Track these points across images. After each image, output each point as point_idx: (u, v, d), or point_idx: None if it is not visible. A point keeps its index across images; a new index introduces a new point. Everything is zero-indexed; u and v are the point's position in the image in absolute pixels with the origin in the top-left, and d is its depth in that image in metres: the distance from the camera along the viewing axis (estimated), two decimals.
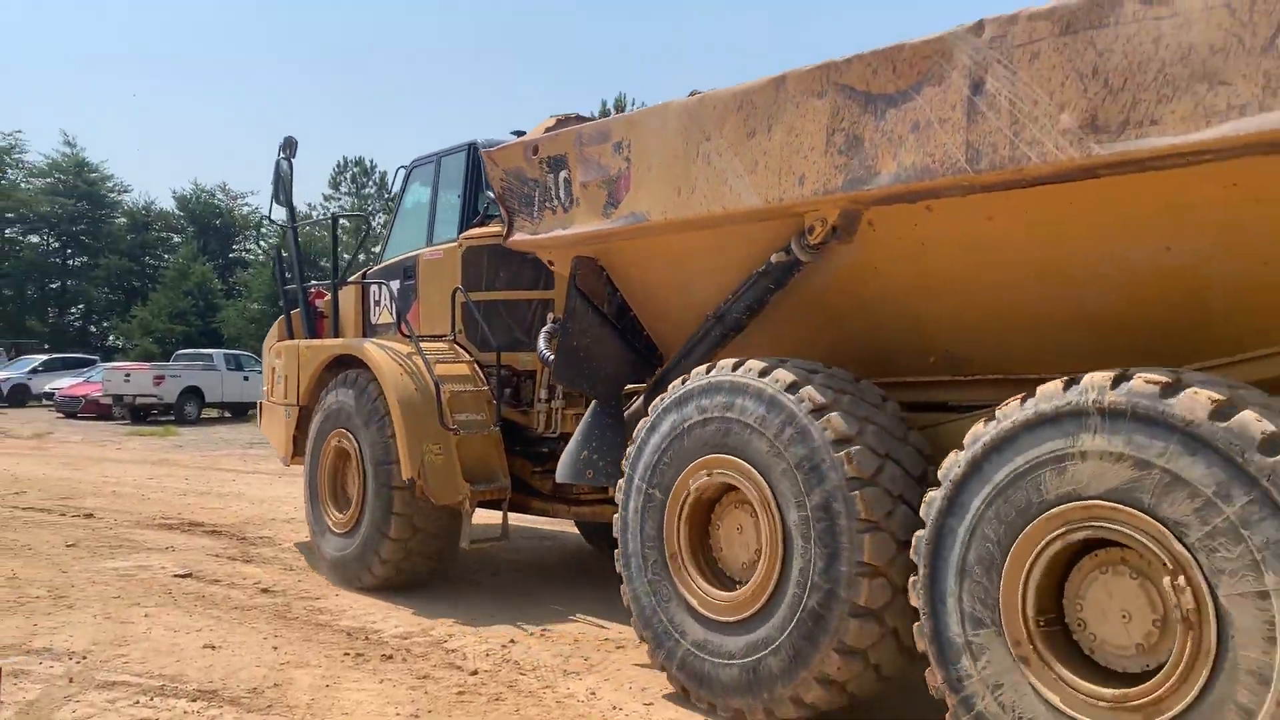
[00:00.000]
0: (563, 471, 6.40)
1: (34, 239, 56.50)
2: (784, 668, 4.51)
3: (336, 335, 9.10)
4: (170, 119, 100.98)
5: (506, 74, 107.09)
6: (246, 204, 59.67)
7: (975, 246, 4.31)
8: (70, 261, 57.10)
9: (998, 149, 3.85)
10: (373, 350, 7.70)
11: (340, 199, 57.84)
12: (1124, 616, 3.53)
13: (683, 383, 5.20)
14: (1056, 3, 3.69)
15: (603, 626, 6.67)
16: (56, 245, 57.04)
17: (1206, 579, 3.19)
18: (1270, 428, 3.11)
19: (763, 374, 4.78)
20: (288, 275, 10.01)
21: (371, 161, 59.01)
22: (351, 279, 9.71)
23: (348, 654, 5.86)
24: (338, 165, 58.54)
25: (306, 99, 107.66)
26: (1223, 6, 3.26)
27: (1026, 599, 3.68)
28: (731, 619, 4.81)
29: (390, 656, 5.84)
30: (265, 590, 7.56)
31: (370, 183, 58.73)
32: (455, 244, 8.02)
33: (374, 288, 9.14)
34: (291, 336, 9.57)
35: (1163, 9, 3.41)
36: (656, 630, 5.18)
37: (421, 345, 7.60)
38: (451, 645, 6.15)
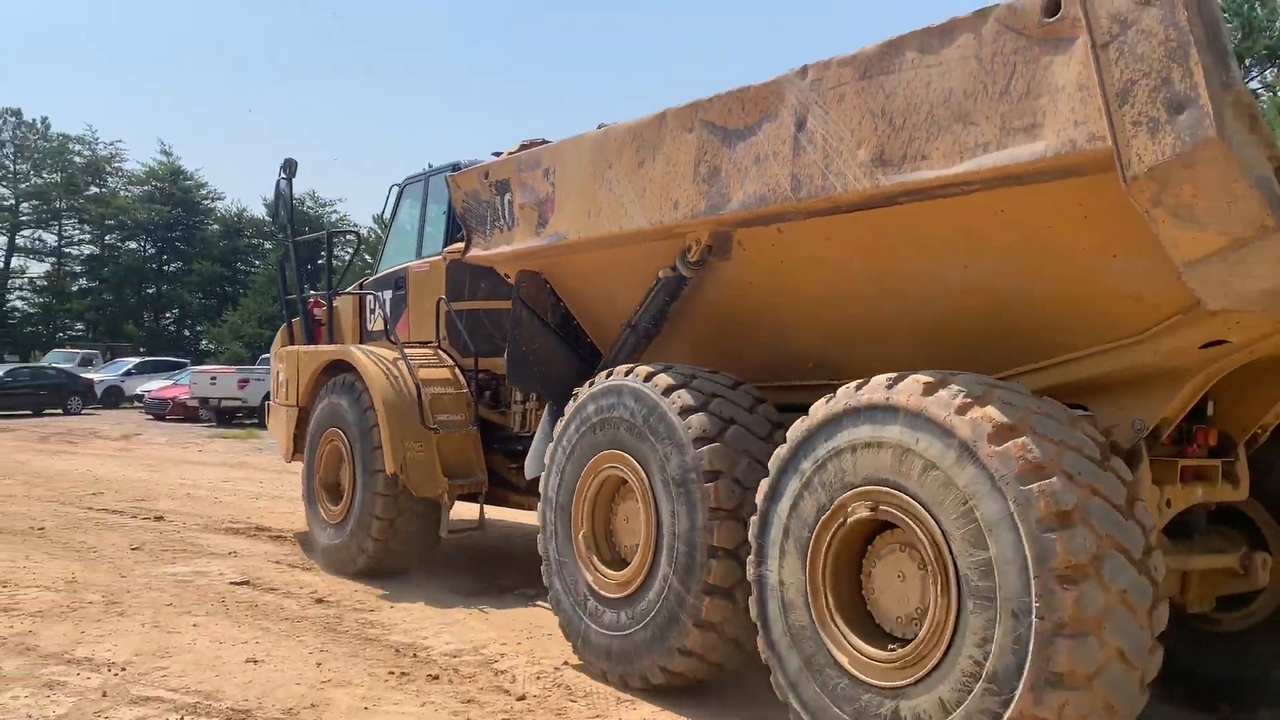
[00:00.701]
0: (529, 467, 7.00)
1: (132, 245, 58.39)
2: (654, 639, 5.15)
3: (333, 342, 9.70)
4: (262, 128, 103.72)
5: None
6: (334, 211, 60.77)
7: (820, 263, 4.89)
8: (165, 267, 58.83)
9: (813, 179, 4.44)
10: (361, 356, 8.30)
11: None
12: (899, 577, 4.11)
13: (589, 386, 5.86)
14: (859, 50, 4.23)
15: None
16: (153, 251, 58.84)
17: (952, 553, 3.76)
18: (1000, 419, 3.69)
19: (646, 379, 5.42)
20: (289, 286, 10.64)
21: (458, 165, 59.62)
22: (349, 289, 10.26)
23: (392, 673, 5.57)
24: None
25: (394, 107, 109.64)
26: (973, 58, 3.80)
27: (825, 573, 4.28)
28: (618, 595, 5.50)
29: (436, 677, 5.53)
30: (320, 600, 7.34)
31: None
32: (440, 257, 8.58)
33: (369, 297, 9.70)
34: (293, 343, 10.14)
35: (932, 58, 3.95)
36: (568, 612, 5.87)
37: (406, 351, 8.24)
38: (502, 666, 5.83)
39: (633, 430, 5.46)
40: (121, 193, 56.38)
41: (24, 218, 55.92)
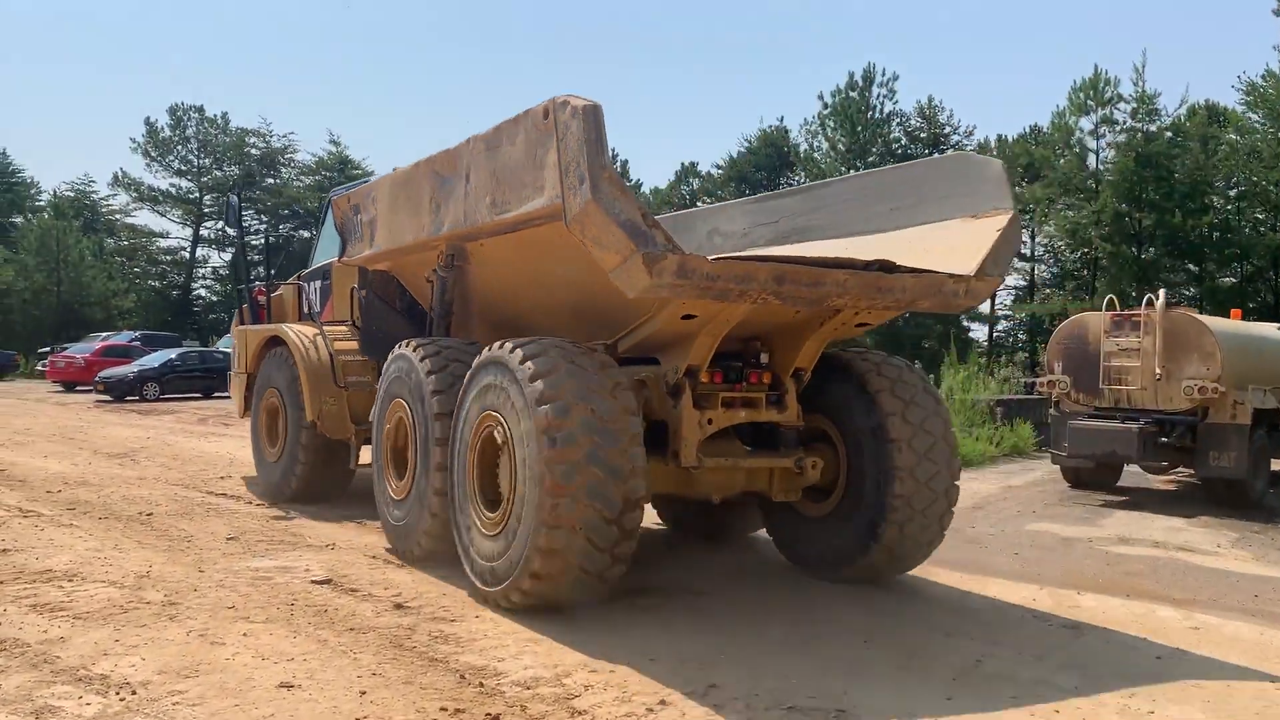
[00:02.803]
0: None
1: (304, 234, 60.38)
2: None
3: (271, 322, 12.15)
4: (418, 110, 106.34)
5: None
6: None
7: (505, 266, 7.31)
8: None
9: (473, 213, 6.82)
10: (289, 332, 10.63)
11: None
12: (504, 467, 6.28)
13: (391, 355, 8.03)
14: (487, 131, 6.61)
15: (788, 689, 5.03)
16: (318, 234, 60.66)
17: (514, 449, 6.07)
18: (539, 368, 5.92)
19: (414, 349, 7.56)
20: (239, 279, 13.83)
21: (614, 151, 59.14)
22: (289, 281, 13.11)
23: (445, 709, 4.54)
24: None
25: (545, 86, 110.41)
26: (523, 142, 6.10)
27: (474, 468, 6.60)
28: (399, 496, 7.77)
29: (496, 717, 4.46)
30: (399, 606, 6.41)
31: None
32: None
33: (305, 286, 12.34)
34: (244, 323, 12.66)
35: (511, 140, 6.26)
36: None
37: (325, 328, 10.52)
38: (582, 704, 4.71)
39: (403, 384, 7.75)
40: (293, 183, 58.36)
41: (207, 209, 58.64)
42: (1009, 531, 10.34)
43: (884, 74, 48.21)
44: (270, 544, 8.46)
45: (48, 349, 36.46)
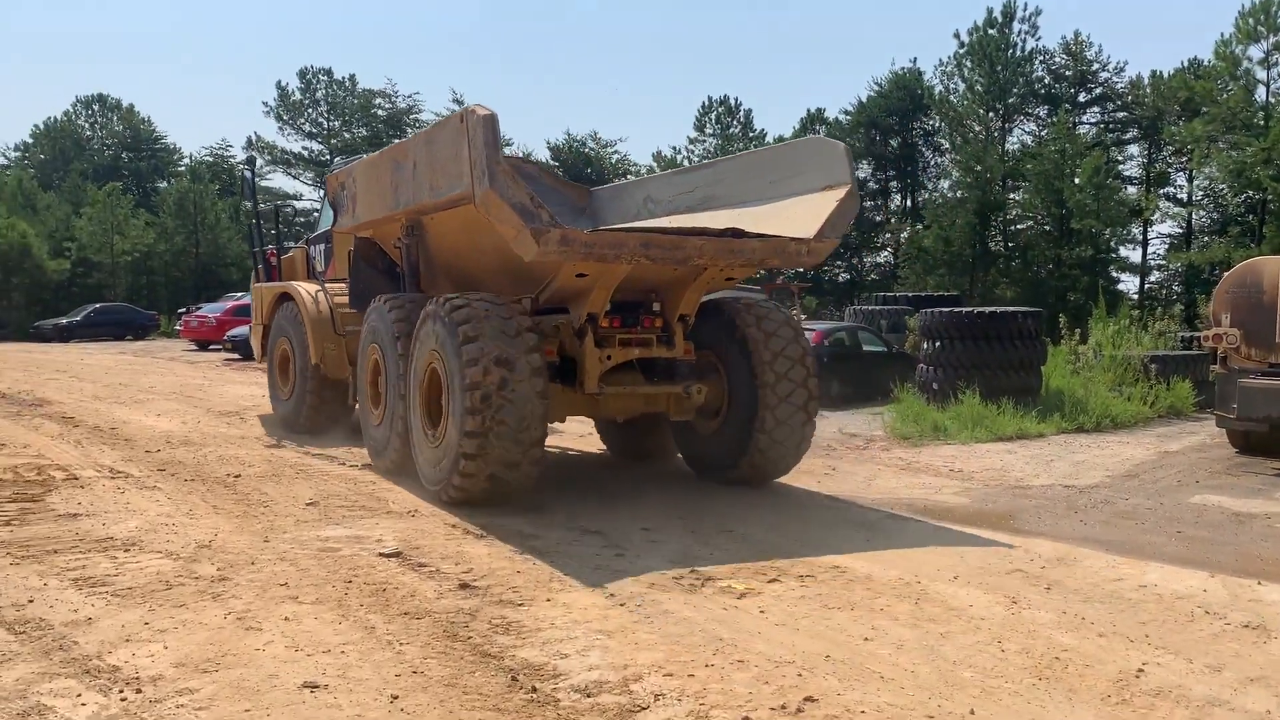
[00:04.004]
0: None
1: None
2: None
3: (283, 280, 14.29)
4: (544, 72, 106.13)
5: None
6: (616, 151, 60.50)
7: (448, 236, 9.10)
8: None
9: (416, 195, 8.70)
10: (297, 288, 12.72)
11: (705, 141, 56.94)
12: (440, 399, 8.08)
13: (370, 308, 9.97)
14: (423, 131, 9.14)
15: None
16: None
17: (448, 378, 7.85)
18: (464, 316, 7.75)
19: (383, 301, 9.58)
20: (254, 244, 15.99)
21: (737, 100, 57.42)
22: (298, 245, 15.33)
23: None
24: (702, 106, 57.63)
25: (668, 38, 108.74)
26: (451, 139, 7.75)
27: (422, 395, 8.45)
28: (376, 424, 9.73)
29: None
30: (464, 585, 5.77)
31: (735, 122, 57.21)
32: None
33: (312, 249, 14.34)
34: (260, 282, 14.90)
35: (444, 135, 8.02)
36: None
37: (327, 285, 12.55)
38: (651, 718, 3.93)
39: (376, 332, 9.55)
40: None
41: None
42: (1168, 505, 9.09)
43: (1026, 9, 45.12)
44: (350, 509, 7.98)
45: (185, 309, 37.62)
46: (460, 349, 7.58)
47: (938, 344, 15.46)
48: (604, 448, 11.48)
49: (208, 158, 63.96)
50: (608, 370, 8.65)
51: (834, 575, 6.25)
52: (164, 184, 57.81)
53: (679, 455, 10.14)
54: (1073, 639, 5.11)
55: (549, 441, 9.11)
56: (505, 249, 7.74)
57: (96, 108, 67.81)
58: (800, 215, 8.46)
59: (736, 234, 8.12)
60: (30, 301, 43.73)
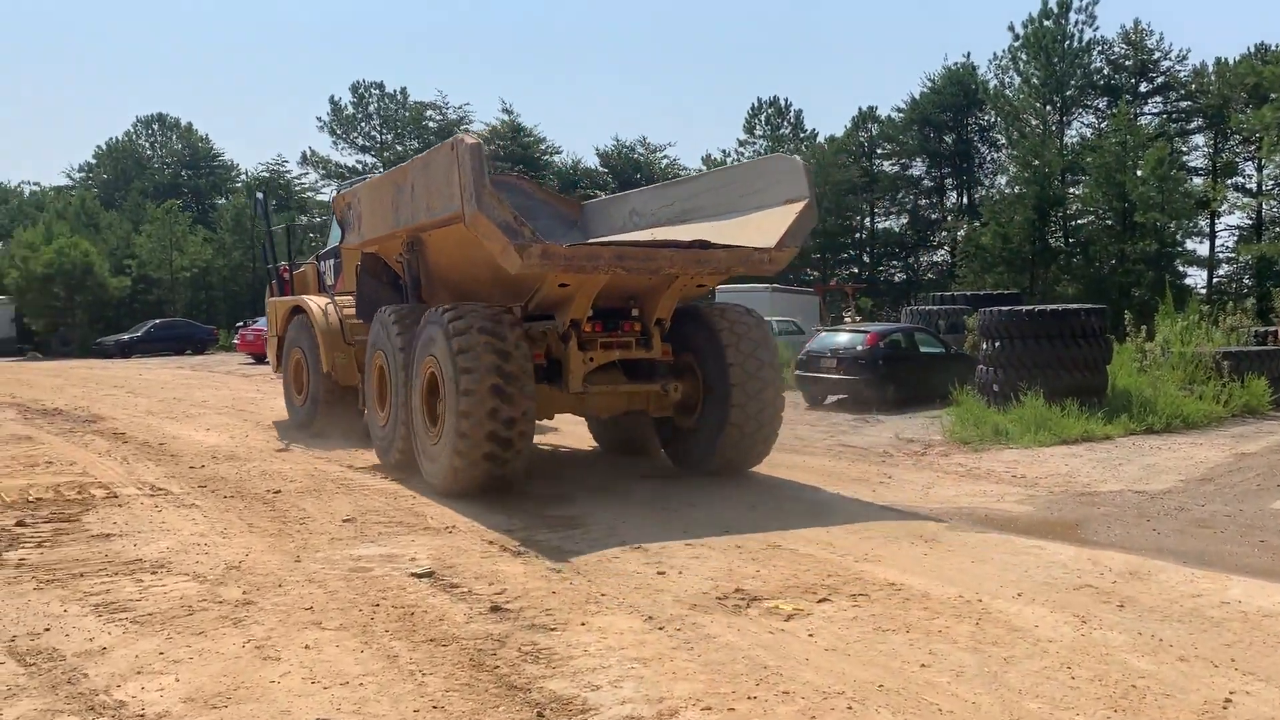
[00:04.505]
0: None
1: None
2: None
3: (295, 294, 15.01)
4: (588, 80, 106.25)
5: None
6: (665, 156, 60.30)
7: (445, 253, 9.86)
8: None
9: (415, 215, 9.46)
10: (308, 302, 13.46)
11: (755, 143, 56.44)
12: (438, 399, 8.83)
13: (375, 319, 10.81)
14: (419, 157, 9.56)
15: None
16: None
17: (444, 378, 8.57)
18: (457, 324, 8.50)
19: (387, 312, 10.37)
20: (269, 261, 17.15)
21: (786, 101, 56.85)
22: (308, 261, 16.13)
23: None
24: (752, 108, 57.16)
25: (718, 41, 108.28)
26: (444, 164, 8.52)
27: (423, 394, 9.16)
28: (381, 425, 10.53)
29: None
30: (496, 608, 5.50)
31: (785, 123, 56.64)
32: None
33: (322, 264, 15.00)
34: (274, 296, 15.89)
35: (437, 161, 8.78)
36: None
37: (336, 298, 13.18)
38: None
39: (380, 340, 10.33)
40: None
41: None
42: (1249, 512, 8.54)
43: None
44: (387, 525, 7.77)
45: (241, 323, 38.06)
46: (455, 354, 8.39)
47: (998, 344, 14.92)
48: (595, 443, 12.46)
49: (264, 173, 64.96)
50: (591, 371, 9.51)
51: (889, 593, 5.88)
52: (221, 200, 58.67)
53: (661, 451, 10.85)
54: (1150, 664, 4.69)
55: (578, 443, 11.25)
56: (495, 262, 8.50)
57: (156, 127, 69.27)
58: (765, 226, 9.42)
59: (703, 245, 9.10)
60: (93, 319, 44.61)
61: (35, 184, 71.03)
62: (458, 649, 4.83)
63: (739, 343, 9.59)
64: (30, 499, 8.72)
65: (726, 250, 9.11)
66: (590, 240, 10.71)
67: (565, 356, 9.43)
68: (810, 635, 5.11)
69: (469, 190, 8.07)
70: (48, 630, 5.07)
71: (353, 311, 12.25)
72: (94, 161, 69.18)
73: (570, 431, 13.22)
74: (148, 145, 69.48)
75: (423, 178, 9.18)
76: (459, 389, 8.29)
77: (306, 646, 4.83)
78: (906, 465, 11.19)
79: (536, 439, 11.97)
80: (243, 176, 66.54)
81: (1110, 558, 6.81)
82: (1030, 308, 15.53)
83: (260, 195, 16.57)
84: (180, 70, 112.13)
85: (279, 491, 9.24)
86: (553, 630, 5.15)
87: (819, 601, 5.70)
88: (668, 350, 9.83)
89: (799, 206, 9.26)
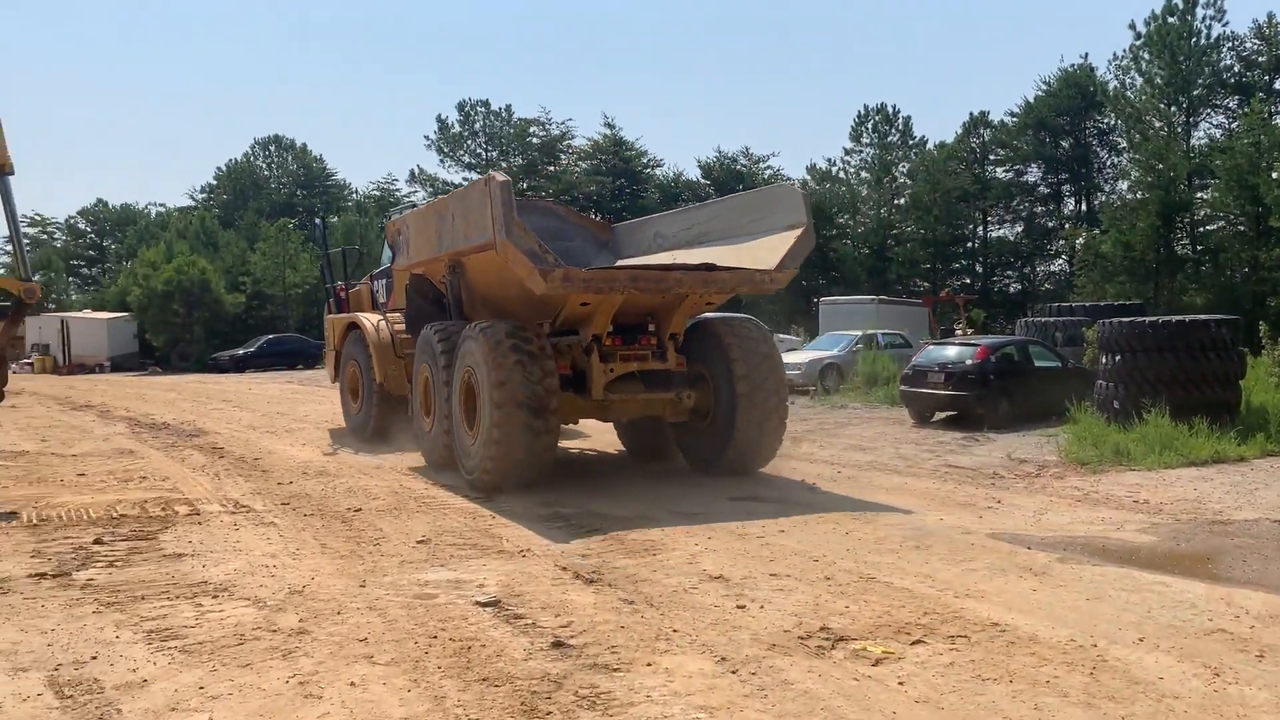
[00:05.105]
0: None
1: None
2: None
3: (350, 312, 16.32)
4: (690, 91, 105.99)
5: None
6: (768, 167, 59.50)
7: (483, 273, 10.75)
8: None
9: (455, 241, 10.64)
10: (363, 319, 14.74)
11: (862, 151, 55.27)
12: (476, 404, 9.99)
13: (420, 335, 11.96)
14: (457, 190, 11.36)
15: None
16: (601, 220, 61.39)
17: (479, 386, 9.76)
18: (492, 340, 9.62)
19: (432, 330, 11.34)
20: (326, 281, 18.99)
21: (894, 107, 55.53)
22: (362, 280, 17.40)
23: None
24: (858, 115, 56.01)
25: (822, 48, 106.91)
26: (478, 198, 9.90)
27: (462, 399, 10.31)
28: (426, 430, 11.61)
29: None
30: (559, 644, 5.12)
31: (893, 130, 55.33)
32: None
33: (376, 284, 16.28)
34: (332, 313, 17.36)
35: (473, 195, 10.11)
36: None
37: (388, 315, 14.50)
38: None
39: (425, 353, 11.43)
40: (571, 169, 59.39)
41: None
42: None
43: None
44: (460, 547, 7.49)
45: None
46: (489, 365, 9.47)
47: (1119, 357, 13.97)
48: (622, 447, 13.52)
49: (375, 192, 66.49)
50: (611, 380, 10.55)
51: (992, 635, 5.31)
52: (334, 219, 60.24)
53: (680, 453, 11.82)
54: None
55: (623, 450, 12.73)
56: (524, 284, 9.67)
57: (273, 148, 71.62)
58: (770, 249, 10.48)
59: (709, 268, 10.29)
60: (210, 334, 46.09)
61: (161, 205, 74.19)
62: (510, 691, 4.47)
63: (746, 355, 10.63)
64: (115, 515, 8.74)
65: (730, 272, 10.31)
66: (615, 264, 12.10)
67: (588, 367, 10.52)
68: (900, 683, 4.60)
69: (499, 221, 9.31)
70: (94, 659, 4.89)
71: (402, 327, 13.51)
72: (215, 183, 71.97)
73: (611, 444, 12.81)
74: (264, 166, 71.93)
75: (461, 209, 10.43)
76: (493, 395, 9.38)
77: (352, 683, 4.54)
78: (1018, 488, 10.45)
79: (574, 443, 14.20)
80: (354, 195, 68.31)
81: (1247, 597, 6.08)
82: (1155, 319, 14.50)
83: (319, 221, 19.08)
84: (295, 92, 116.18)
85: (359, 510, 9.08)
86: (616, 671, 4.74)
87: (912, 643, 5.17)
88: (681, 361, 10.86)
89: (798, 232, 10.34)
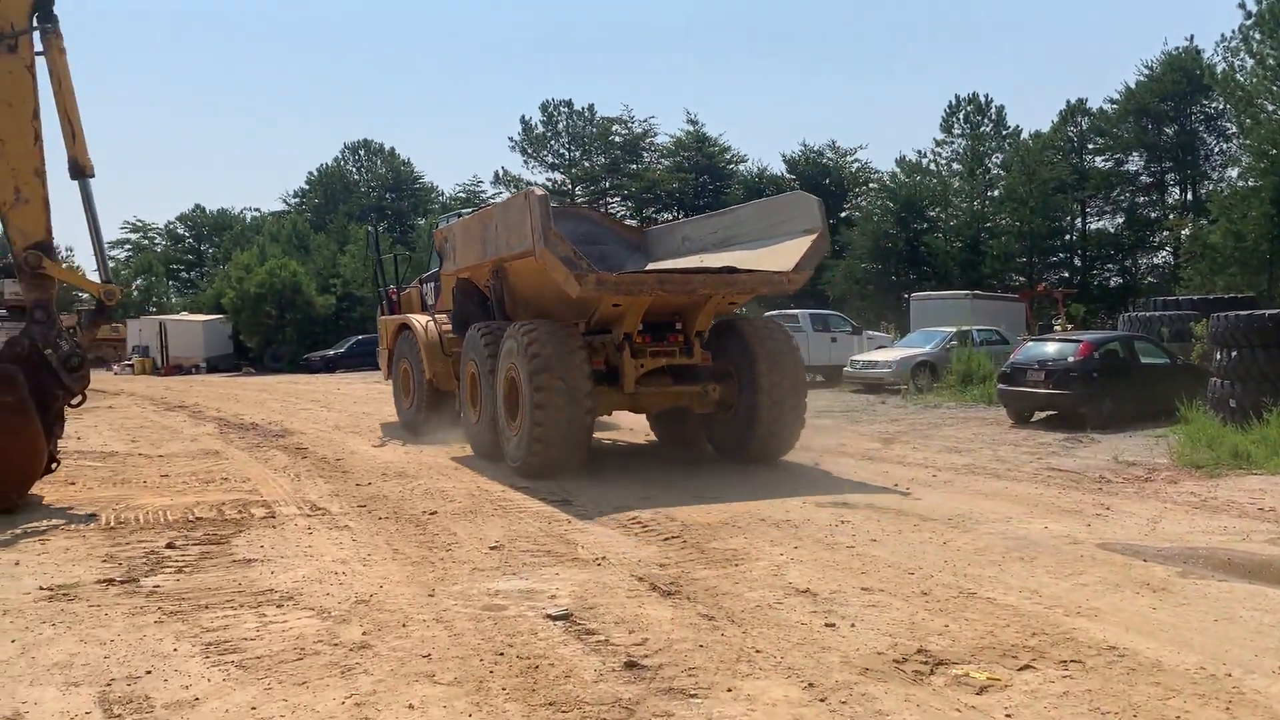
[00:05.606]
0: None
1: (666, 216, 61.12)
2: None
3: (401, 313, 17.35)
4: (777, 85, 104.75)
5: None
6: (855, 160, 58.35)
7: (524, 278, 11.84)
8: None
9: (498, 249, 11.81)
10: (413, 320, 15.82)
11: (953, 142, 53.78)
12: (517, 398, 10.89)
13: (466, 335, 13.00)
14: (499, 202, 15.06)
15: None
16: (679, 217, 61.02)
17: (519, 383, 10.65)
18: (530, 336, 10.61)
19: (476, 329, 12.42)
20: (378, 285, 20.39)
21: (987, 97, 53.91)
22: (412, 284, 18.67)
23: None
24: (949, 106, 54.52)
25: (910, 37, 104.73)
26: (518, 210, 11.02)
27: (504, 394, 11.23)
28: (473, 421, 12.53)
29: None
30: (632, 664, 4.77)
31: (985, 120, 53.71)
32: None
33: (425, 287, 17.64)
34: (384, 315, 18.53)
35: (513, 207, 11.26)
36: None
37: (436, 317, 15.49)
38: None
39: (471, 351, 12.43)
40: (655, 166, 59.07)
41: (579, 199, 60.98)
42: None
43: None
44: (534, 554, 7.20)
45: None
46: (529, 362, 10.36)
47: (1235, 353, 13.09)
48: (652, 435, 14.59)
49: (461, 194, 67.16)
50: (642, 375, 11.41)
51: (1109, 660, 4.80)
52: (421, 221, 60.99)
53: (708, 444, 12.63)
54: None
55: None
56: (561, 288, 10.62)
57: (362, 153, 72.84)
58: (788, 251, 11.36)
59: (730, 271, 11.25)
60: (301, 335, 46.97)
61: (255, 210, 76.12)
62: (578, 717, 4.13)
63: (767, 352, 11.46)
64: (191, 518, 8.67)
65: (750, 274, 11.22)
66: (645, 267, 13.49)
67: (620, 363, 11.39)
68: (1008, 716, 4.14)
69: (538, 231, 10.32)
70: (148, 673, 4.70)
71: (450, 328, 14.65)
72: (306, 187, 73.50)
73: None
74: (354, 170, 73.20)
75: (503, 218, 11.56)
76: (532, 390, 10.28)
77: (410, 706, 4.25)
78: (1127, 494, 9.77)
79: (609, 435, 15.32)
80: (441, 197, 69.04)
81: None
82: (1276, 311, 13.57)
83: (372, 229, 19.84)
84: (384, 97, 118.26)
85: (434, 513, 8.88)
86: (692, 696, 4.37)
87: (1020, 669, 4.69)
88: (707, 357, 11.70)
89: (814, 236, 11.23)
